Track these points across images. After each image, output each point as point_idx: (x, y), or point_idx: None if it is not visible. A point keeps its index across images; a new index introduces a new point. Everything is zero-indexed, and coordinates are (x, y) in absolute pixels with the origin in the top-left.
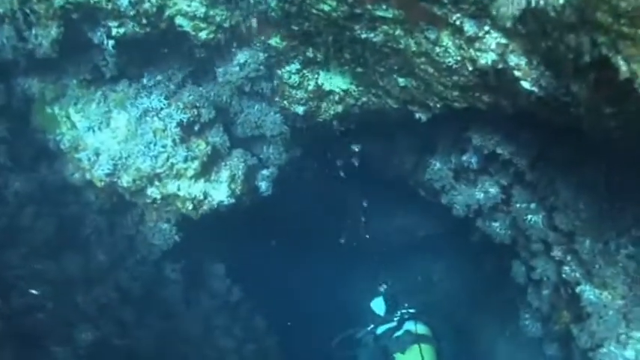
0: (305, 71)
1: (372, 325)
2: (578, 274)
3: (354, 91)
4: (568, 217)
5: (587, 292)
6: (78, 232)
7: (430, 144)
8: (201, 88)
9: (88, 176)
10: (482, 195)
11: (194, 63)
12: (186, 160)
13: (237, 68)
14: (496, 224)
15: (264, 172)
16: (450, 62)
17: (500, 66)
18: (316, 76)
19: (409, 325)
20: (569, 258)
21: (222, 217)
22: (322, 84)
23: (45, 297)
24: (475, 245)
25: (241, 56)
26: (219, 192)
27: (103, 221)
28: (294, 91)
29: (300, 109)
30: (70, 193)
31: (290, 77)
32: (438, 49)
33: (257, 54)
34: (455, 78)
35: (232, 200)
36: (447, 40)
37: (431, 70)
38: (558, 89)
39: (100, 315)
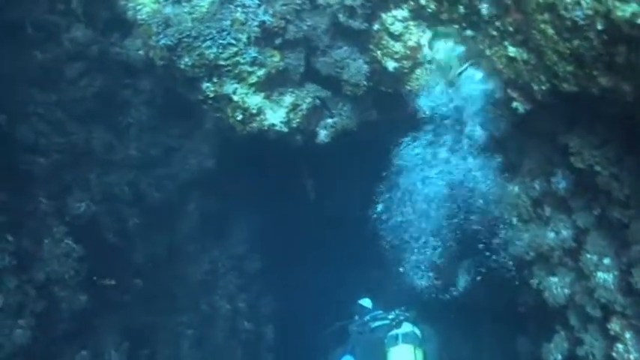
0: (411, 22)
1: (366, 317)
2: (632, 357)
3: (454, 66)
4: None
5: None
6: (119, 117)
7: (516, 162)
8: (298, 2)
9: (151, 54)
10: (552, 235)
11: None
12: (253, 63)
13: None
14: (554, 279)
15: (329, 120)
16: (577, 17)
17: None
18: (421, 33)
19: (406, 327)
20: (627, 335)
21: (266, 153)
22: (423, 45)
23: (53, 148)
24: (515, 315)
25: None
26: (275, 115)
27: (149, 118)
28: (391, 42)
29: (391, 65)
30: (127, 75)
31: (393, 24)
32: (568, 0)
33: None
34: (576, 43)
35: (285, 129)
36: None
37: (550, 31)
38: None
39: (104, 200)
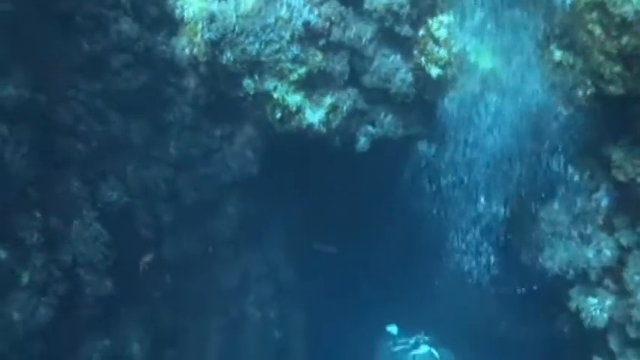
0: (457, 28)
1: (391, 342)
2: None
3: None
4: None
5: None
6: (161, 114)
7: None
8: (343, 8)
9: (195, 51)
10: (592, 254)
11: None
12: (295, 61)
13: None
14: (594, 301)
15: (370, 128)
16: (626, 13)
17: None
18: (466, 39)
19: (424, 348)
20: None
21: (308, 159)
22: (469, 52)
23: (92, 135)
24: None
25: None
26: (314, 114)
27: (191, 118)
28: (436, 48)
29: (435, 72)
30: (171, 73)
31: (438, 29)
32: None
33: None
34: (624, 40)
35: (323, 129)
36: None
37: (598, 31)
38: None
39: (141, 194)
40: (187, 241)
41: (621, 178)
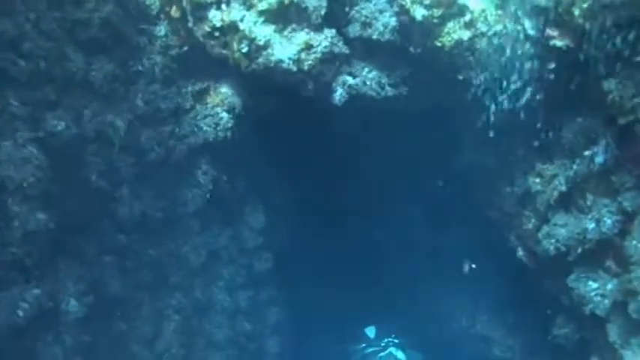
0: None
1: (363, 345)
2: None
3: (491, 15)
4: None
5: None
6: (129, 61)
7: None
8: None
9: None
10: (592, 225)
11: None
12: None
13: None
14: (594, 285)
15: (349, 78)
16: None
17: None
18: None
19: (392, 350)
20: None
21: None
22: None
23: (39, 54)
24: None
25: None
26: (284, 50)
27: (161, 70)
28: None
29: (420, 14)
30: (143, 19)
31: None
32: None
33: None
34: None
35: (294, 68)
36: None
37: None
38: None
39: (96, 138)
40: (148, 202)
41: (622, 121)
